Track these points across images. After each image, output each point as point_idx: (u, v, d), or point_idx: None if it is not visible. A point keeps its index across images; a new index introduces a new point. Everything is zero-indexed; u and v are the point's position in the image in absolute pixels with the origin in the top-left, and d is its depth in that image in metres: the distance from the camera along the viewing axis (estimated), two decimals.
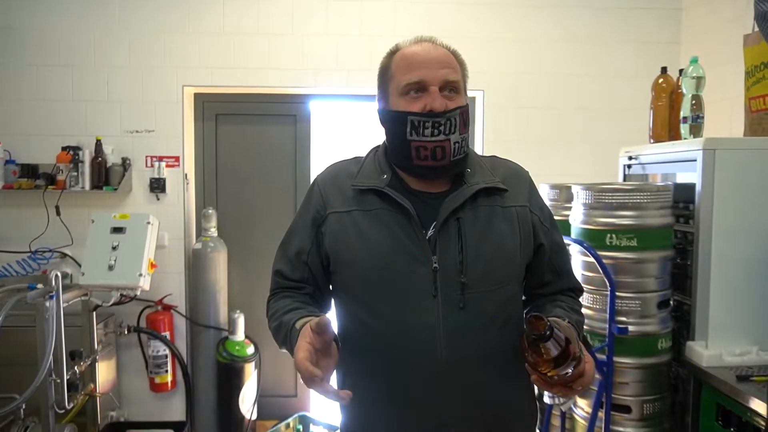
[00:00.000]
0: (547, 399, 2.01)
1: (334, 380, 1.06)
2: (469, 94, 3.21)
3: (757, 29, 2.03)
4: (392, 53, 1.12)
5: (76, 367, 2.50)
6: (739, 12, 2.58)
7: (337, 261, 1.11)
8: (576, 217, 2.00)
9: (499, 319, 1.09)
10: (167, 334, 3.05)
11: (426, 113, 1.04)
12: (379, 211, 1.08)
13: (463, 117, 1.07)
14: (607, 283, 1.84)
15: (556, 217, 1.25)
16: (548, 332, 0.90)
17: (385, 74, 1.12)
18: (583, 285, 1.27)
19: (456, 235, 1.06)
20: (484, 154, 1.27)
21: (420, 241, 1.06)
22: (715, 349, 1.84)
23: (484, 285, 1.06)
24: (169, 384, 3.09)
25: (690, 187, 1.94)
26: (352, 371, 1.12)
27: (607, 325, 1.86)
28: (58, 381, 2.32)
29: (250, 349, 3.10)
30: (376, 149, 1.19)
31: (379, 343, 1.07)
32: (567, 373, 0.93)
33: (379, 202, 1.09)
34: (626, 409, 1.90)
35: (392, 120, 1.08)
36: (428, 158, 1.05)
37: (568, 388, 0.97)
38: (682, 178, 2.04)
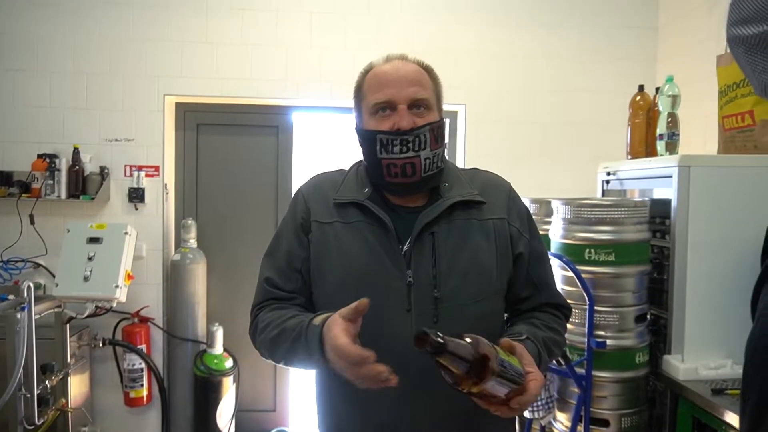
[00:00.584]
0: (526, 413, 2.02)
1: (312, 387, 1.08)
2: (452, 108, 3.28)
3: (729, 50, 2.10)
4: (365, 72, 1.14)
5: (47, 381, 2.43)
6: (713, 32, 2.66)
7: (316, 270, 1.12)
8: (555, 232, 2.02)
9: (479, 332, 1.08)
10: (143, 347, 2.99)
11: (394, 131, 1.06)
12: (359, 224, 1.10)
13: (434, 132, 1.08)
14: (586, 298, 1.86)
15: None
16: (432, 349, 0.81)
17: (358, 93, 1.15)
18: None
19: (430, 249, 1.07)
20: (466, 167, 1.27)
21: (396, 255, 1.07)
22: (691, 362, 1.87)
23: (459, 299, 1.07)
24: (145, 398, 3.02)
25: (666, 203, 1.98)
26: (330, 380, 1.12)
27: (586, 339, 1.87)
28: (28, 395, 2.25)
29: (229, 363, 3.05)
30: (359, 163, 1.21)
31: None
32: (497, 388, 0.86)
33: (359, 215, 1.11)
34: (605, 423, 1.91)
35: (364, 139, 1.12)
36: (399, 175, 1.07)
37: (506, 407, 0.91)
38: (659, 193, 2.08)
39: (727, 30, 0.64)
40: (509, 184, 1.22)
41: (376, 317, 1.05)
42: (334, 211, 1.12)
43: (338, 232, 1.10)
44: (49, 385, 2.45)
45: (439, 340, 0.81)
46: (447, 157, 1.20)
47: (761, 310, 0.66)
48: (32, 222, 2.92)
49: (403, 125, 1.05)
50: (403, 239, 1.09)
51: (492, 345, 0.88)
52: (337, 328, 0.91)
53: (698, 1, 2.84)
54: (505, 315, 1.20)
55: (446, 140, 1.16)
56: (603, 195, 2.48)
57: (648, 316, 2.00)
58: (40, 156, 2.92)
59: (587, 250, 1.90)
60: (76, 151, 2.94)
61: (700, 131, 2.71)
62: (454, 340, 0.83)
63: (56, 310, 2.59)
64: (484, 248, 1.10)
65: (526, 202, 2.32)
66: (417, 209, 1.11)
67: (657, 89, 2.25)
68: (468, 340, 0.85)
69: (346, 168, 1.22)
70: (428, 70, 1.14)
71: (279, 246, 1.16)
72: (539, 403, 1.99)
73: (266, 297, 1.14)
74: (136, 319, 3.01)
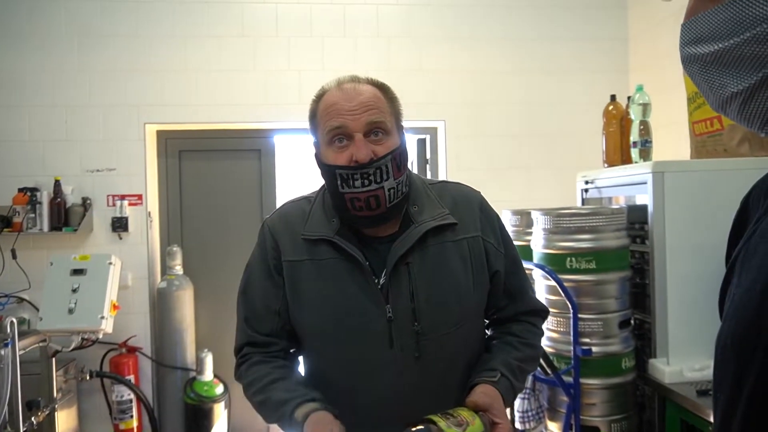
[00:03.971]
0: (518, 425, 2.02)
1: None
2: (432, 124, 3.32)
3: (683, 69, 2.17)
4: (318, 98, 1.08)
5: (33, 418, 2.38)
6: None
7: (294, 311, 1.09)
8: (537, 242, 2.05)
9: (462, 357, 1.09)
10: (132, 377, 2.95)
11: (353, 166, 1.00)
12: (331, 261, 1.06)
13: (395, 161, 1.02)
14: (570, 306, 1.88)
15: (518, 243, 1.27)
16: None
17: (313, 120, 1.08)
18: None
19: (407, 281, 1.04)
20: (433, 179, 1.22)
21: (372, 290, 1.04)
22: (676, 365, 1.89)
23: (441, 329, 1.05)
24: (135, 430, 2.98)
25: (643, 208, 2.02)
26: None
27: (572, 347, 1.89)
28: None
29: (219, 389, 3.02)
30: (325, 189, 1.13)
31: (344, 395, 1.06)
32: None
33: (330, 252, 1.06)
34: (595, 430, 1.92)
35: (324, 172, 1.06)
36: (363, 209, 1.02)
37: None
38: (640, 199, 2.12)
39: (680, 50, 0.67)
40: (479, 194, 1.18)
41: (359, 355, 1.05)
42: (303, 247, 1.08)
43: (311, 271, 1.06)
44: (35, 422, 2.40)
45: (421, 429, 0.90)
46: (413, 172, 1.16)
47: (727, 310, 0.69)
48: (14, 256, 2.89)
49: (360, 158, 0.99)
50: (378, 272, 1.05)
51: (441, 418, 0.93)
52: None
53: (665, 13, 2.94)
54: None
55: (409, 161, 1.14)
56: (582, 203, 2.52)
57: (632, 322, 2.02)
58: (20, 190, 2.91)
59: (568, 258, 1.93)
60: (57, 183, 2.93)
61: (673, 137, 2.78)
62: (437, 423, 0.91)
63: (41, 344, 2.55)
64: (461, 271, 1.07)
65: (507, 214, 2.38)
66: (389, 238, 1.07)
67: (629, 98, 2.31)
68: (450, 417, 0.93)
69: (313, 194, 1.16)
70: (383, 89, 1.07)
71: (252, 286, 1.12)
72: (530, 414, 2.00)
73: (246, 341, 1.12)
74: (123, 350, 2.98)
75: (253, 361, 1.09)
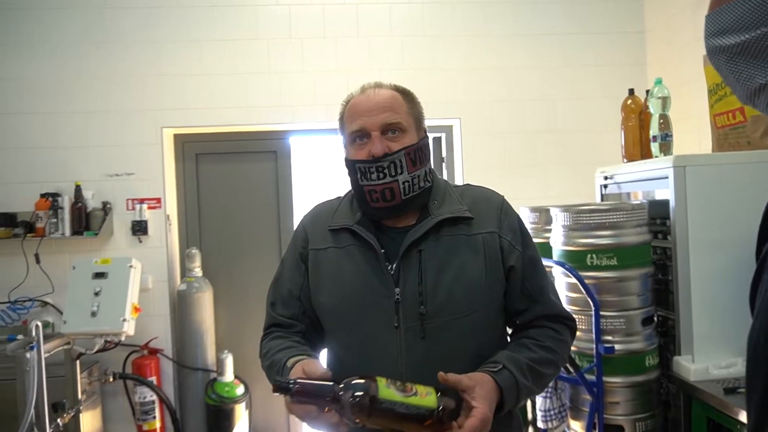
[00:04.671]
0: (540, 423, 2.01)
1: None
2: (447, 122, 3.31)
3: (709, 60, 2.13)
4: (346, 102, 1.20)
5: (59, 420, 2.42)
6: (699, 34, 2.69)
7: (314, 293, 1.19)
8: (556, 240, 2.03)
9: (469, 347, 1.10)
10: (154, 378, 2.99)
11: (369, 159, 1.11)
12: (350, 248, 1.16)
13: (410, 156, 1.12)
14: (591, 303, 1.86)
15: (536, 240, 1.26)
16: (279, 392, 0.92)
17: (341, 123, 1.20)
18: (568, 307, 1.26)
19: (417, 266, 1.11)
20: (459, 183, 1.29)
21: (384, 274, 1.12)
22: (702, 362, 1.86)
23: (446, 314, 1.09)
24: (158, 430, 3.01)
25: (665, 204, 1.99)
26: None
27: (594, 345, 1.87)
28: None
29: (240, 390, 3.04)
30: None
31: (353, 371, 1.08)
32: (384, 423, 0.93)
33: (350, 239, 1.17)
34: (619, 429, 1.90)
35: (347, 168, 1.18)
36: (379, 200, 1.12)
37: None
38: (659, 194, 2.09)
39: (705, 41, 0.65)
40: (502, 197, 1.22)
41: (366, 334, 1.12)
42: (329, 236, 1.19)
43: (332, 256, 1.17)
44: (61, 424, 2.44)
45: (289, 384, 0.92)
46: (439, 175, 1.24)
47: (759, 307, 0.67)
48: (38, 261, 2.95)
49: (375, 152, 1.10)
50: (393, 259, 1.13)
51: (375, 382, 0.93)
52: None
53: (681, 5, 2.89)
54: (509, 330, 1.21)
55: (430, 159, 1.19)
56: (602, 199, 2.49)
57: (655, 318, 1.99)
58: (42, 195, 2.96)
59: (589, 255, 1.91)
60: (78, 189, 2.98)
61: (694, 130, 2.73)
62: (310, 383, 0.94)
63: (65, 347, 2.59)
64: (472, 262, 1.11)
65: (525, 211, 2.36)
66: (404, 229, 1.15)
67: (647, 92, 2.28)
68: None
69: (343, 194, 1.27)
70: (404, 93, 1.18)
71: (282, 275, 1.24)
72: (552, 412, 1.98)
73: (271, 322, 1.23)
74: (145, 351, 3.02)
75: (273, 336, 1.20)
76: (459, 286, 1.10)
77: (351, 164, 1.15)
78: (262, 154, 3.31)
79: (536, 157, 3.23)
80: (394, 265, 1.12)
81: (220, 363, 3.03)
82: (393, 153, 1.11)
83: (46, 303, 3.00)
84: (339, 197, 1.27)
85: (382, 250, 1.13)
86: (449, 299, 1.09)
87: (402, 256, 1.11)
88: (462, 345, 1.10)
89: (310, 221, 1.26)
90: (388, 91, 1.16)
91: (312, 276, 1.18)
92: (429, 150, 1.19)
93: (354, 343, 1.13)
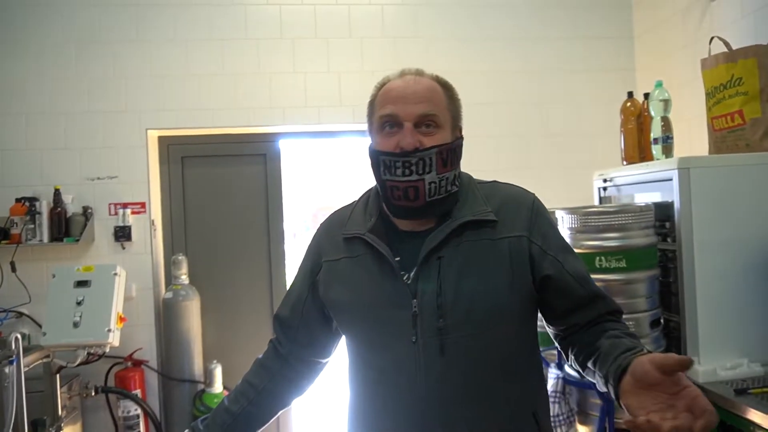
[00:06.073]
0: None
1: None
2: None
3: (713, 53, 2.15)
4: (379, 87, 1.09)
5: None
6: (689, 39, 2.73)
7: (329, 307, 1.14)
8: None
9: (493, 363, 1.02)
10: (138, 391, 2.85)
11: (396, 153, 1.01)
12: (363, 257, 1.08)
13: (442, 156, 1.01)
14: None
15: None
16: None
17: (371, 108, 1.10)
18: None
19: (436, 275, 1.01)
20: (484, 180, 1.17)
21: (399, 285, 1.03)
22: (708, 364, 1.86)
23: (467, 329, 1.00)
24: None
25: (666, 206, 1.99)
26: (357, 403, 1.13)
27: None
28: None
29: None
30: (370, 190, 1.18)
31: (371, 387, 1.08)
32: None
33: (363, 248, 1.08)
34: None
35: (370, 158, 1.07)
36: (401, 198, 1.02)
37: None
38: (658, 197, 2.09)
39: None
40: (533, 196, 1.11)
41: (382, 348, 1.05)
42: (342, 246, 1.12)
43: (346, 267, 1.10)
44: None
45: None
46: (464, 172, 1.14)
47: None
48: (13, 269, 2.79)
49: (405, 145, 0.99)
50: (410, 267, 1.03)
51: None
52: None
53: (669, 11, 2.93)
54: (556, 335, 1.12)
55: (460, 162, 1.09)
56: (600, 202, 2.49)
57: (661, 321, 1.99)
58: (18, 200, 2.81)
59: (597, 257, 1.89)
60: (57, 193, 2.83)
61: (685, 134, 2.76)
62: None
63: (44, 360, 2.45)
64: (495, 271, 1.02)
65: None
66: (423, 233, 1.04)
67: (645, 95, 2.29)
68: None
69: (358, 198, 1.19)
70: (445, 87, 1.08)
71: (294, 284, 1.21)
72: (560, 418, 1.95)
73: (274, 334, 1.24)
74: (129, 363, 2.89)
75: (257, 361, 1.23)
76: (480, 298, 1.00)
77: (375, 155, 1.04)
78: (250, 157, 3.22)
79: (529, 161, 3.23)
80: (411, 274, 1.02)
81: (208, 373, 2.92)
82: (424, 149, 1.00)
83: (21, 314, 2.84)
84: (354, 202, 1.19)
85: (397, 258, 1.04)
86: (470, 312, 1.00)
87: (420, 264, 1.02)
88: (484, 361, 1.01)
89: (323, 231, 1.19)
90: (429, 81, 1.06)
91: (325, 287, 1.12)
92: (461, 153, 1.09)
93: (373, 357, 1.07)
